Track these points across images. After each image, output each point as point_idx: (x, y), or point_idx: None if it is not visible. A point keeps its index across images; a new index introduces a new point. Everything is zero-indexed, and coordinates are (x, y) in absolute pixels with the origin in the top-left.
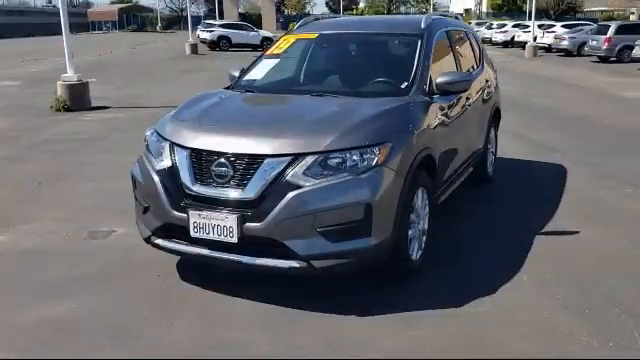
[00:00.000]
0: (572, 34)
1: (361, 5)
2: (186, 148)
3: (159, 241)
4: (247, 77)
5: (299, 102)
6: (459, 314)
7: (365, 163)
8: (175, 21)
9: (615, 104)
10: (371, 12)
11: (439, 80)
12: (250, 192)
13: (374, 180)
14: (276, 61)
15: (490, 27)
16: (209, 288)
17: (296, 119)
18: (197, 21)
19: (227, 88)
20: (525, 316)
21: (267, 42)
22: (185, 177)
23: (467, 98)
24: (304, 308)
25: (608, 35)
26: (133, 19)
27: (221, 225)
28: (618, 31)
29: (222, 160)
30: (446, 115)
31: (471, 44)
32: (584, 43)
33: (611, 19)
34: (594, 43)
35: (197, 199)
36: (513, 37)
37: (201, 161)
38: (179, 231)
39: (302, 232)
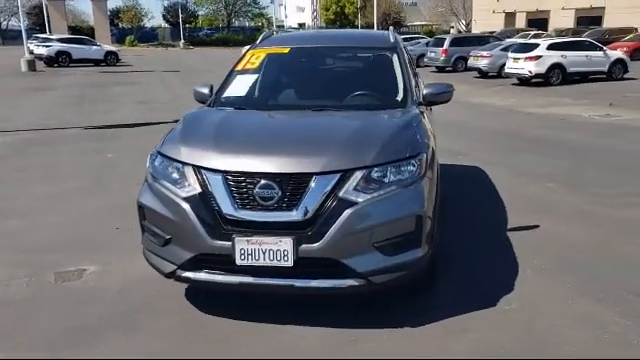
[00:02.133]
0: (411, 47)
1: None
2: (219, 172)
3: (189, 274)
4: (227, 94)
5: (314, 118)
6: (499, 313)
7: (408, 175)
8: None
9: (472, 109)
10: (205, 24)
11: (426, 91)
12: (303, 212)
13: (420, 191)
14: (253, 76)
15: None
16: (241, 319)
17: (329, 135)
18: (20, 35)
19: (209, 105)
20: (555, 307)
21: (111, 57)
22: (224, 203)
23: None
24: (352, 326)
25: (444, 47)
26: None
27: (274, 249)
28: (452, 43)
29: (266, 182)
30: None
31: (410, 57)
32: (423, 55)
33: (431, 32)
34: (432, 55)
35: (241, 225)
36: None
37: (240, 184)
38: (217, 261)
39: (359, 249)
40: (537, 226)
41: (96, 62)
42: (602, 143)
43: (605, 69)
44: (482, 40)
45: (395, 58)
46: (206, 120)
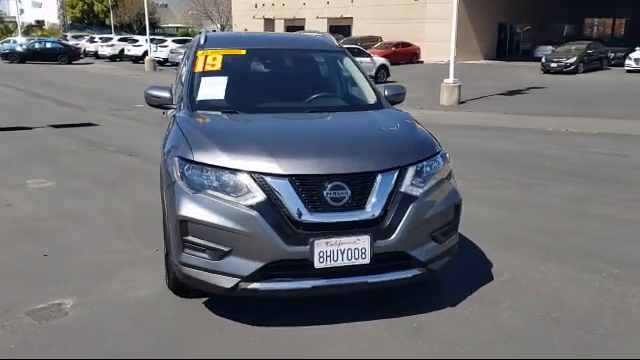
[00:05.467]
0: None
1: None
2: (285, 176)
3: (256, 285)
4: (201, 97)
5: (334, 119)
6: (503, 284)
7: (443, 168)
8: None
9: None
10: None
11: (387, 93)
12: (375, 209)
13: (454, 182)
14: (221, 79)
15: (92, 40)
16: (295, 324)
17: (373, 134)
18: None
19: (188, 109)
20: (537, 273)
21: None
22: (295, 207)
23: None
24: (397, 316)
25: None
26: None
27: (352, 248)
28: None
29: (337, 183)
30: None
31: None
32: None
33: (188, 35)
34: None
35: (317, 227)
36: (122, 50)
37: (309, 187)
38: (291, 267)
39: (421, 239)
40: None
41: None
42: None
43: (373, 73)
44: None
45: (348, 60)
46: (221, 125)
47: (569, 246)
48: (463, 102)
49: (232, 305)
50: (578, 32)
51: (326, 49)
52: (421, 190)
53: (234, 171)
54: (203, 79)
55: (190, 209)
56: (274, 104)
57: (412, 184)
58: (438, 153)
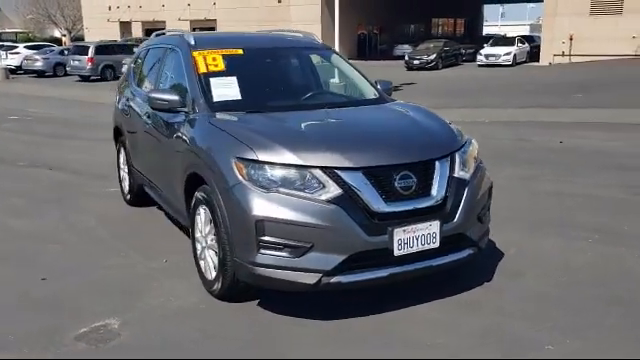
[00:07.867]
0: (44, 55)
1: None
2: (358, 169)
3: (339, 278)
4: (218, 98)
5: (370, 113)
6: (515, 258)
7: (471, 152)
8: None
9: None
10: None
11: (380, 87)
12: (439, 195)
13: (485, 167)
14: (229, 79)
15: None
16: (359, 315)
17: (420, 125)
18: None
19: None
20: (536, 244)
21: None
22: (372, 198)
23: None
24: (443, 296)
25: (90, 55)
26: None
27: (425, 234)
28: (98, 51)
29: (405, 172)
30: None
31: None
32: (59, 63)
33: (29, 40)
34: (76, 63)
35: (391, 216)
36: None
37: (380, 178)
38: (371, 257)
39: (473, 220)
40: None
41: None
42: None
43: None
44: (126, 47)
45: (338, 57)
46: (266, 124)
47: (546, 220)
48: None
49: (288, 303)
50: (427, 31)
51: (316, 47)
52: (468, 174)
53: (305, 167)
54: (212, 80)
55: (266, 208)
56: (289, 102)
57: (461, 169)
58: (467, 140)
